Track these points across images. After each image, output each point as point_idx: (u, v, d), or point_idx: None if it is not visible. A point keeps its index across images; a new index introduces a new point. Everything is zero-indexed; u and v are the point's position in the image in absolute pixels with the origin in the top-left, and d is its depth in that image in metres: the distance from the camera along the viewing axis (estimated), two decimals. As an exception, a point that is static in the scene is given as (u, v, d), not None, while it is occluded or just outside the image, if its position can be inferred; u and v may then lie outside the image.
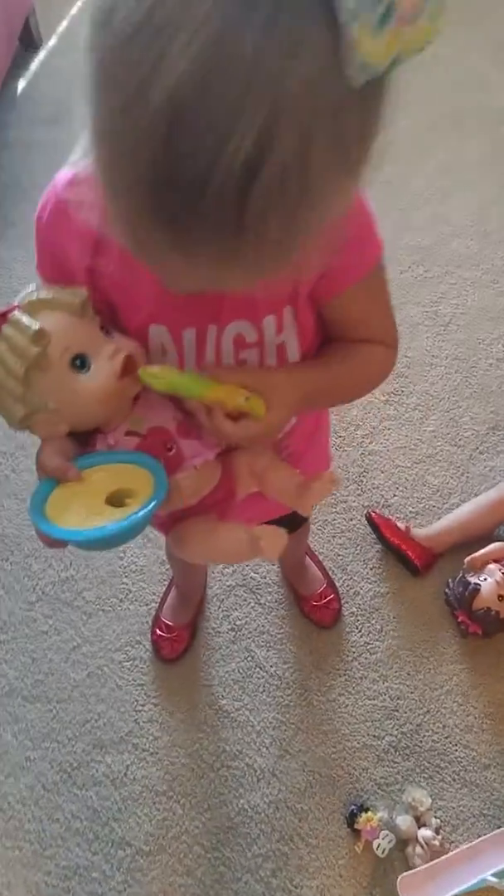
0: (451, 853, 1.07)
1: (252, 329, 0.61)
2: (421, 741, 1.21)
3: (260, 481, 0.69)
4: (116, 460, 0.60)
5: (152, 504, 0.57)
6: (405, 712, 1.24)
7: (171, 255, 0.39)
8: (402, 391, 1.59)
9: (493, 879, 1.05)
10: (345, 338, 0.66)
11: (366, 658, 1.29)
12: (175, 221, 0.36)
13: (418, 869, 1.00)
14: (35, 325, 0.54)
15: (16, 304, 0.57)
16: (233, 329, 0.61)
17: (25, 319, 0.55)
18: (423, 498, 1.46)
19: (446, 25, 0.33)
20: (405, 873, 0.98)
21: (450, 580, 1.30)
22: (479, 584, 1.24)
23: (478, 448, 1.52)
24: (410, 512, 1.44)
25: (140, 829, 1.16)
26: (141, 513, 0.56)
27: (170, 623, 1.29)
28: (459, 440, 1.53)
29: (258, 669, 1.29)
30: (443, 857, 1.06)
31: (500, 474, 1.46)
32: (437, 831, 1.12)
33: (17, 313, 0.55)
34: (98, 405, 0.59)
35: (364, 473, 1.49)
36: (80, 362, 0.56)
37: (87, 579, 1.38)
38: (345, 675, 1.28)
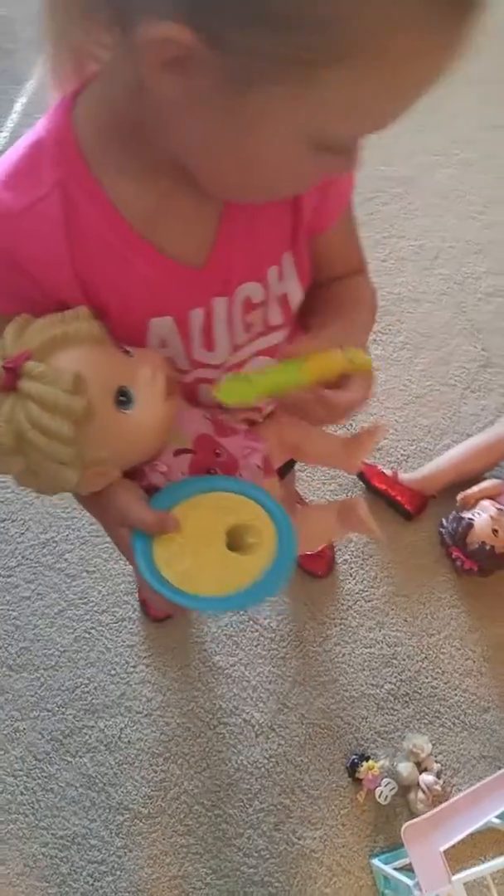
0: (453, 799, 1.06)
1: (258, 288, 0.57)
2: (420, 687, 1.21)
3: (295, 451, 0.64)
4: (194, 491, 0.53)
5: (292, 532, 0.52)
6: (403, 659, 1.23)
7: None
8: (390, 329, 1.54)
9: (497, 821, 1.06)
10: (331, 275, 0.64)
11: (361, 606, 1.27)
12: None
13: (422, 817, 1.00)
14: (68, 372, 0.45)
15: (19, 352, 0.46)
16: (241, 294, 0.56)
17: (51, 367, 0.45)
18: (415, 440, 1.42)
19: None
20: (409, 822, 0.98)
21: (443, 519, 1.28)
22: (473, 519, 1.22)
23: (469, 387, 1.48)
24: (402, 454, 1.41)
25: (137, 793, 1.15)
26: (289, 548, 0.51)
27: (157, 581, 1.26)
28: (450, 379, 1.49)
29: (251, 623, 1.26)
30: (445, 804, 1.05)
31: (493, 413, 1.42)
32: (438, 776, 1.12)
33: (33, 363, 0.45)
34: (154, 436, 0.52)
35: (352, 417, 1.44)
36: (125, 397, 0.49)
37: (69, 540, 1.33)
38: (341, 624, 1.26)
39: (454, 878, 0.94)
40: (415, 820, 0.98)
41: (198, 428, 0.58)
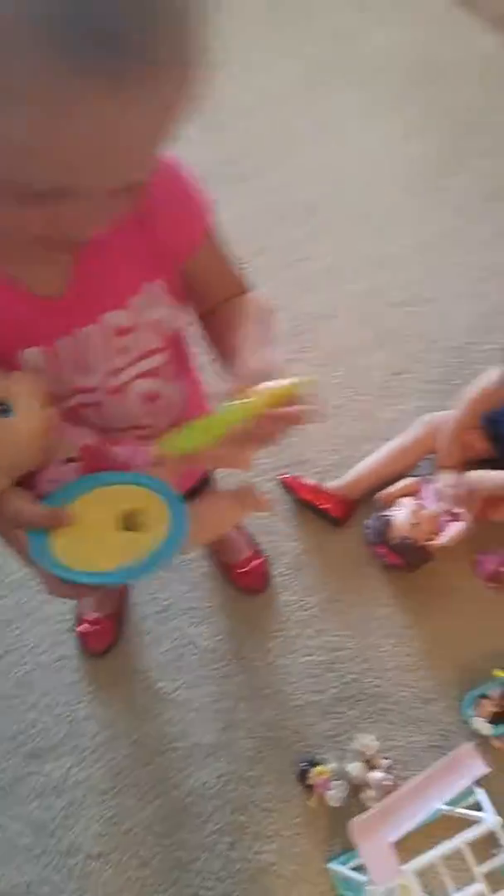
0: (400, 790, 1.09)
1: (124, 315, 0.61)
2: (363, 688, 1.23)
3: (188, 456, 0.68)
4: (87, 487, 0.57)
5: (182, 506, 0.55)
6: (344, 663, 1.25)
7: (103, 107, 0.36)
8: (306, 348, 1.60)
9: (446, 808, 1.08)
10: (214, 299, 0.69)
11: (299, 616, 1.30)
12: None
13: (369, 812, 1.01)
14: None
15: None
16: (109, 321, 0.61)
17: None
18: (338, 449, 1.47)
19: None
20: (356, 818, 1.00)
21: (367, 520, 1.32)
22: (393, 515, 1.27)
23: (384, 394, 1.54)
24: (326, 464, 1.45)
25: (88, 832, 1.13)
26: (181, 518, 0.55)
27: (93, 615, 1.26)
28: (366, 388, 1.55)
29: (192, 646, 1.27)
30: (392, 796, 1.08)
31: (408, 416, 1.49)
32: (388, 771, 1.14)
33: None
34: (36, 440, 0.56)
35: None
36: (3, 406, 0.54)
37: (2, 586, 1.33)
38: (280, 636, 1.28)
39: (404, 867, 0.96)
40: (361, 815, 1.00)
41: (82, 437, 0.61)
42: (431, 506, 1.31)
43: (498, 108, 2.01)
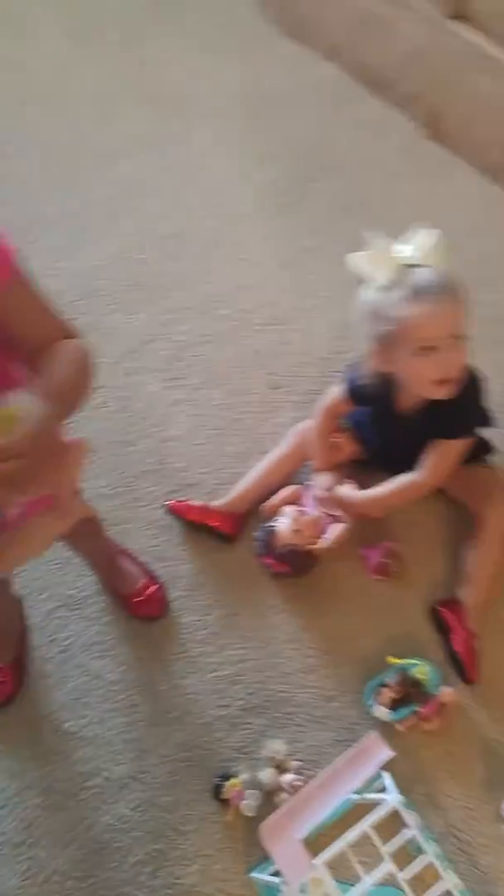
0: (306, 787, 1.13)
1: None
2: (268, 696, 1.27)
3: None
4: None
5: None
6: (248, 673, 1.29)
7: None
8: (182, 375, 1.66)
9: (356, 797, 1.13)
10: (33, 345, 0.73)
11: (200, 635, 1.33)
12: None
13: (276, 813, 1.05)
14: None
15: None
16: None
17: None
18: (224, 468, 1.53)
19: None
20: (264, 821, 1.03)
21: (256, 532, 1.37)
22: (276, 525, 1.33)
23: (263, 409, 1.62)
24: (215, 484, 1.50)
25: (5, 889, 1.11)
26: None
27: (-8, 666, 1.25)
28: (245, 406, 1.62)
29: (96, 681, 1.28)
30: (299, 794, 1.12)
31: (286, 428, 1.56)
32: (298, 772, 1.18)
33: None
34: None
35: (162, 461, 1.53)
36: None
37: None
38: (183, 657, 1.31)
39: (315, 861, 1.00)
40: (269, 818, 1.03)
41: None
42: (312, 511, 1.38)
43: (336, 130, 2.16)
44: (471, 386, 1.20)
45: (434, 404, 1.19)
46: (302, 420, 1.51)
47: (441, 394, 1.15)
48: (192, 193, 2.00)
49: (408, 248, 1.10)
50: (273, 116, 2.20)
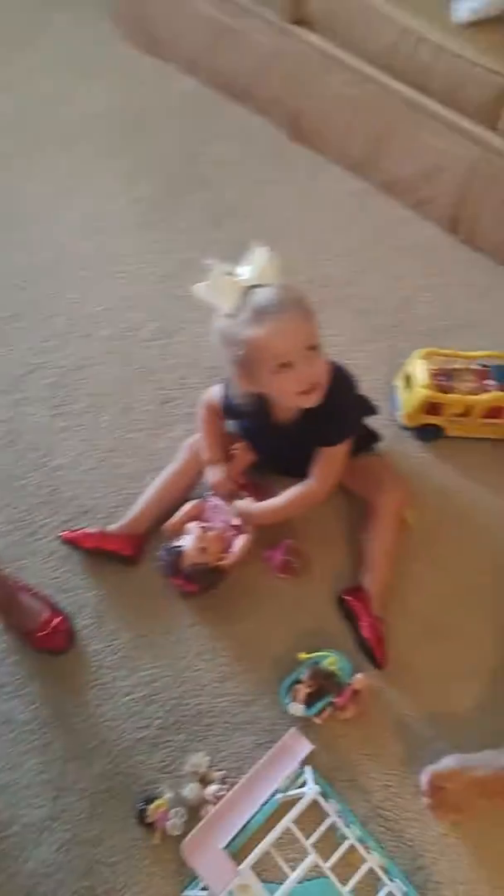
0: (227, 795, 1.14)
1: None
2: (185, 711, 1.28)
3: None
4: None
5: None
6: (163, 691, 1.29)
7: None
8: (67, 400, 1.65)
9: (280, 795, 1.15)
10: None
11: (110, 660, 1.32)
12: None
13: (197, 826, 1.05)
14: None
15: None
16: None
17: None
18: (119, 490, 1.52)
19: None
20: (186, 838, 1.03)
21: (160, 552, 1.38)
22: (181, 545, 1.34)
23: (155, 425, 1.62)
24: (111, 508, 1.50)
25: None
26: None
27: None
28: (136, 424, 1.62)
29: (7, 724, 1.26)
30: (219, 803, 1.12)
31: (180, 442, 1.57)
32: (223, 782, 1.19)
33: None
34: None
35: (54, 491, 1.52)
36: None
37: None
38: (96, 685, 1.30)
39: (241, 867, 1.01)
40: (190, 833, 1.03)
41: None
42: (216, 524, 1.39)
43: (203, 142, 2.20)
44: (340, 387, 1.24)
45: (308, 413, 1.23)
46: (195, 432, 1.53)
47: (310, 402, 1.19)
48: (65, 216, 2.00)
49: (245, 270, 1.13)
50: (140, 134, 2.22)
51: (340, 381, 1.25)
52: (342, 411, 1.28)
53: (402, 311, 1.84)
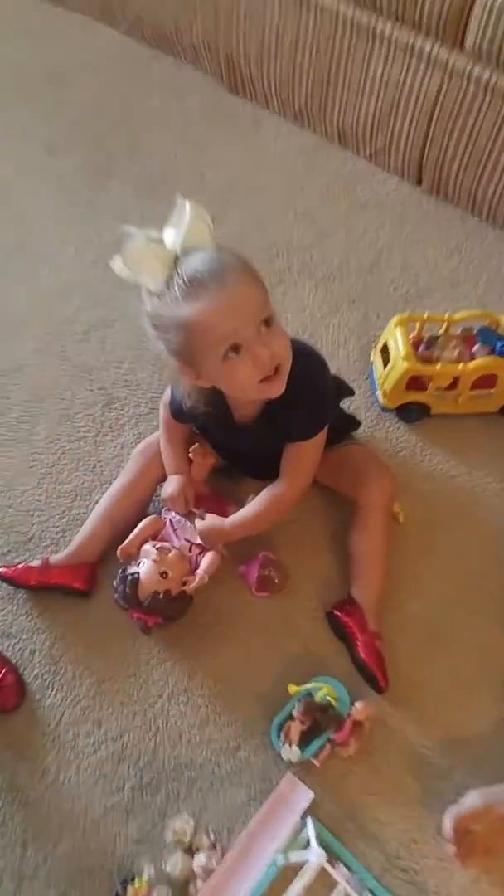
0: (221, 863, 1.00)
1: None
2: (162, 765, 1.13)
3: None
4: None
5: None
6: (134, 746, 1.14)
7: None
8: (-4, 411, 1.47)
9: (282, 857, 1.01)
10: None
11: (71, 714, 1.17)
12: None
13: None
14: None
15: None
16: None
17: None
18: (66, 509, 1.36)
19: None
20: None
21: (114, 581, 1.21)
22: (137, 572, 1.17)
23: (100, 432, 1.45)
24: (57, 532, 1.33)
25: None
26: None
27: None
28: (78, 432, 1.45)
29: (-47, 807, 1.09)
30: (214, 874, 0.99)
31: (131, 448, 1.41)
32: (213, 847, 1.05)
33: None
34: None
35: None
36: None
37: None
38: (55, 746, 1.14)
39: None
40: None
41: None
42: (176, 542, 1.23)
43: (133, 100, 2.01)
44: (307, 368, 1.04)
45: (273, 404, 1.05)
46: (147, 435, 1.37)
47: (273, 391, 0.99)
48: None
49: (170, 233, 0.91)
50: (60, 97, 2.02)
51: (307, 360, 1.05)
52: (313, 397, 1.08)
53: (369, 275, 1.68)
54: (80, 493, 1.38)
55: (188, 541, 1.23)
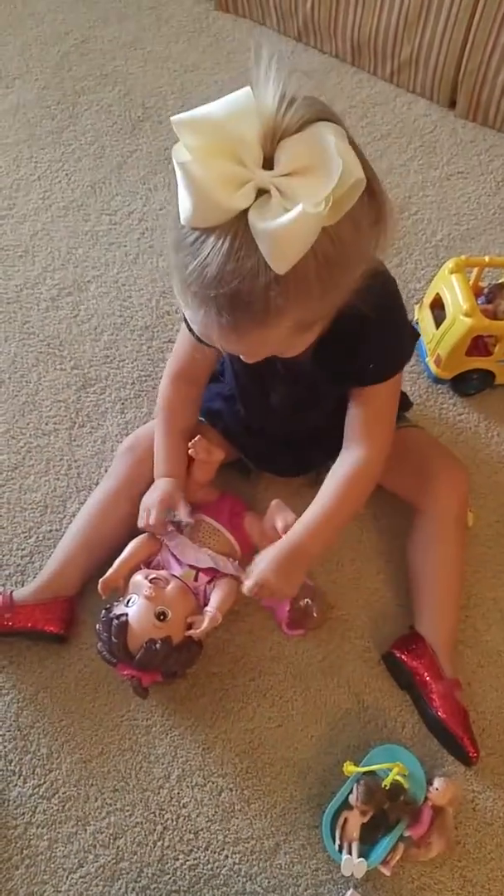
0: None
1: None
2: (173, 879, 0.81)
3: None
4: None
5: None
6: (133, 852, 0.83)
7: None
8: None
9: None
10: None
11: (45, 809, 0.85)
12: None
13: None
14: None
15: None
16: None
17: None
18: (34, 525, 1.03)
19: None
20: None
21: (97, 626, 0.88)
22: (125, 614, 0.84)
23: (75, 423, 1.12)
24: (24, 554, 1.01)
25: None
26: None
27: None
28: (47, 424, 1.12)
29: None
30: None
31: (117, 441, 1.08)
32: None
33: None
34: None
35: None
36: None
37: None
38: (26, 856, 0.83)
39: None
40: None
41: None
42: (177, 569, 0.90)
43: (103, 20, 1.66)
44: (381, 287, 0.69)
45: (336, 335, 0.70)
46: (135, 425, 1.05)
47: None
48: None
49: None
50: (15, 19, 1.65)
51: (377, 277, 0.66)
52: (391, 319, 0.76)
53: (400, 218, 1.35)
54: (50, 504, 1.05)
55: (193, 567, 0.90)
